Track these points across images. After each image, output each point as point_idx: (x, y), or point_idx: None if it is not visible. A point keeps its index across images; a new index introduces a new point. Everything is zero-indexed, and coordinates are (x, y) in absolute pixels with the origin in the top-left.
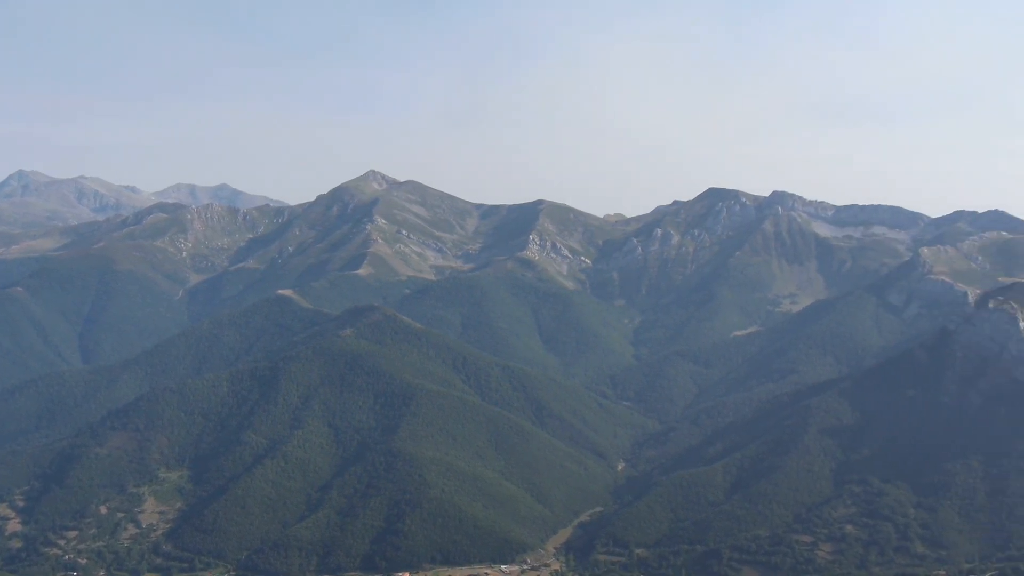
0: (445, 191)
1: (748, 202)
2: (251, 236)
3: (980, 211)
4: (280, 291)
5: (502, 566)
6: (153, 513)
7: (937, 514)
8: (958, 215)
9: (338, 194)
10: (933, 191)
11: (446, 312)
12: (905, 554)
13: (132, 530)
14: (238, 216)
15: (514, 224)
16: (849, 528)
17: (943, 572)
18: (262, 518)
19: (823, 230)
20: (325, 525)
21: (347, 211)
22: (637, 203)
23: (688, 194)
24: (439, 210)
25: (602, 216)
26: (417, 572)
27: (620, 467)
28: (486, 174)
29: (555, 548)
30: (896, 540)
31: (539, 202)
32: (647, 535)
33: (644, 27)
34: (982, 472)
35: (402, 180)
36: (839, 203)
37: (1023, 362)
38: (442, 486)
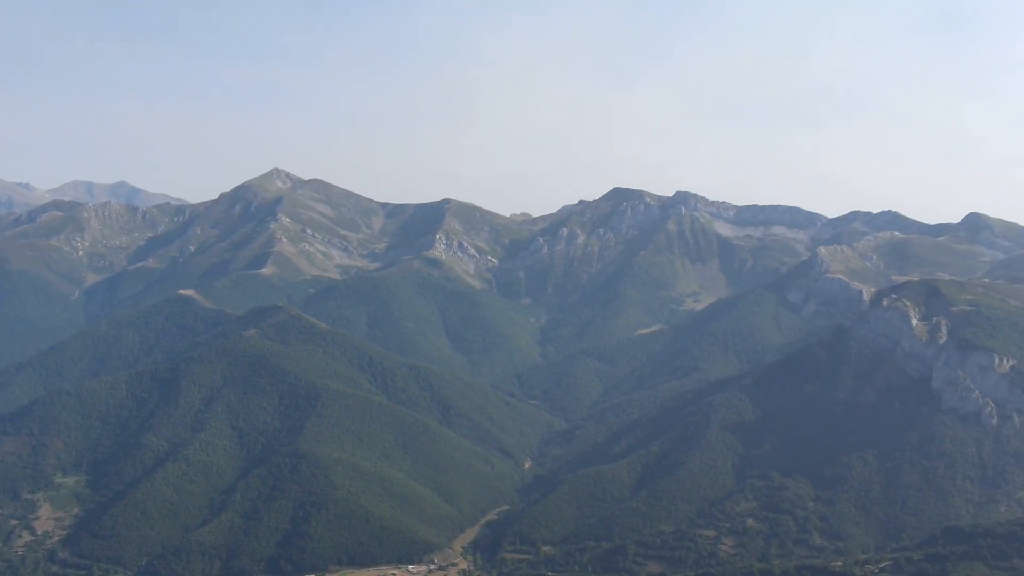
0: (351, 190)
1: (652, 202)
2: (151, 235)
3: (875, 212)
4: (181, 291)
5: (409, 566)
6: (48, 520)
7: (835, 507)
8: (854, 216)
9: (241, 192)
10: (830, 191)
11: (352, 312)
12: (804, 546)
13: (27, 537)
14: (137, 214)
15: (420, 223)
16: (751, 522)
17: (840, 563)
18: (163, 523)
19: (725, 230)
20: (228, 529)
21: (250, 210)
22: (543, 202)
23: (593, 194)
24: (344, 209)
25: (508, 215)
26: (323, 574)
27: (527, 465)
28: (392, 173)
29: (462, 547)
30: (796, 533)
31: (445, 201)
32: (554, 532)
33: (547, 25)
34: (877, 465)
35: (307, 179)
36: (740, 203)
37: (915, 358)
38: (348, 487)
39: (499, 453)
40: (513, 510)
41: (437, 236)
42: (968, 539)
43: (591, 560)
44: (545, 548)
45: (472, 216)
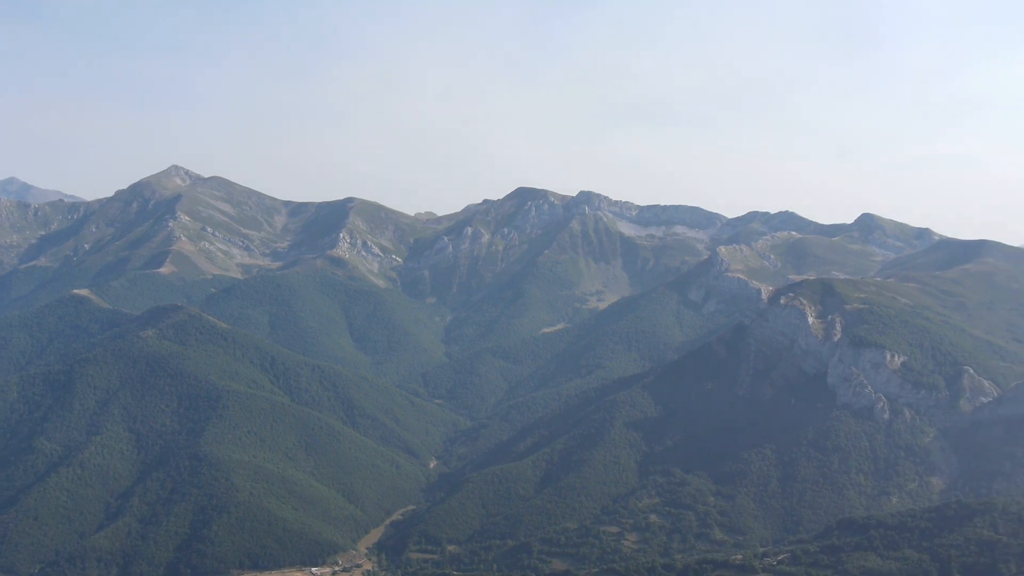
0: (253, 188)
1: (556, 201)
2: (43, 233)
3: (772, 212)
4: (76, 290)
5: (313, 568)
6: None
7: (734, 501)
8: (752, 216)
9: (138, 189)
10: (730, 192)
11: (254, 311)
12: (705, 540)
13: None
14: (28, 211)
15: (324, 222)
16: (653, 518)
17: (740, 556)
18: (57, 529)
19: (628, 229)
20: (126, 534)
21: (148, 207)
22: (448, 202)
23: (498, 193)
24: (246, 207)
25: (413, 214)
26: None
27: (432, 465)
28: (295, 171)
29: (367, 548)
30: (697, 527)
31: (349, 200)
32: (459, 531)
33: (451, 25)
34: (775, 460)
35: (207, 176)
36: (642, 203)
37: (811, 355)
38: (250, 489)
39: (404, 453)
40: (418, 510)
41: (341, 235)
42: (861, 530)
43: (496, 558)
44: (450, 547)
45: (377, 215)
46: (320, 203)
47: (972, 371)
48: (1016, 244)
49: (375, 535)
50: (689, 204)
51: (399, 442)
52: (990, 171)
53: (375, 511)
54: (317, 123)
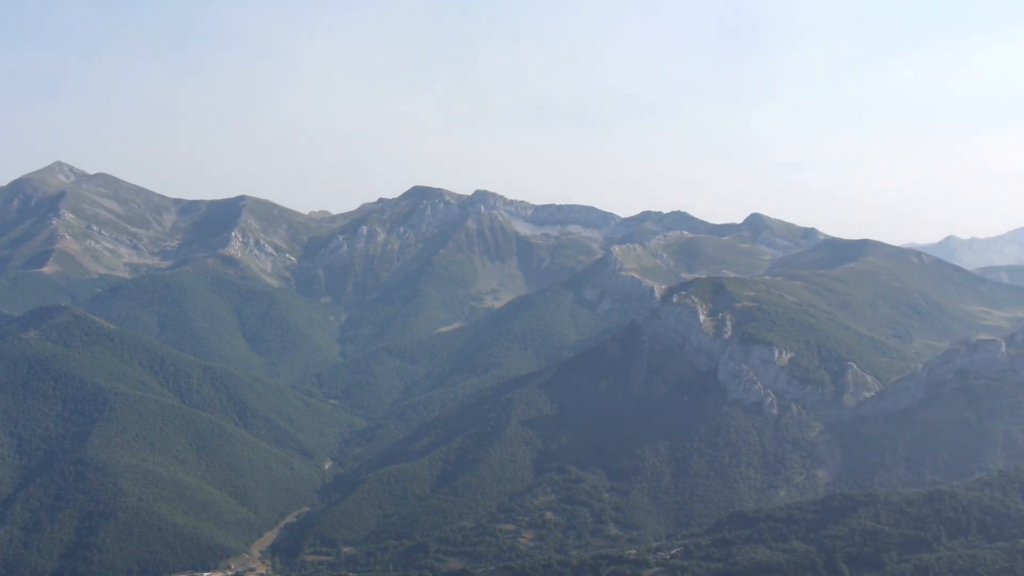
0: (141, 185)
1: (452, 200)
2: None
3: (665, 212)
4: None
5: (204, 573)
6: None
7: (629, 497)
8: (645, 215)
9: (19, 186)
10: (623, 192)
11: (142, 312)
12: (600, 536)
13: None
14: None
15: (215, 220)
16: (549, 515)
17: (634, 551)
18: None
19: (523, 228)
20: (7, 543)
21: (29, 205)
22: (343, 200)
23: (394, 192)
24: (134, 205)
25: (307, 213)
26: None
27: (327, 466)
28: (185, 168)
29: (261, 551)
30: (592, 524)
31: (241, 198)
32: (355, 532)
33: (345, 21)
34: (668, 455)
35: (92, 173)
36: (538, 203)
37: (702, 352)
38: (139, 494)
39: (298, 454)
40: (313, 511)
41: (233, 234)
42: (751, 523)
43: (392, 559)
44: (346, 548)
45: (270, 213)
46: (211, 201)
47: (856, 367)
48: (897, 244)
49: (269, 538)
50: (584, 204)
51: (293, 443)
52: (875, 171)
53: (269, 514)
54: (207, 120)
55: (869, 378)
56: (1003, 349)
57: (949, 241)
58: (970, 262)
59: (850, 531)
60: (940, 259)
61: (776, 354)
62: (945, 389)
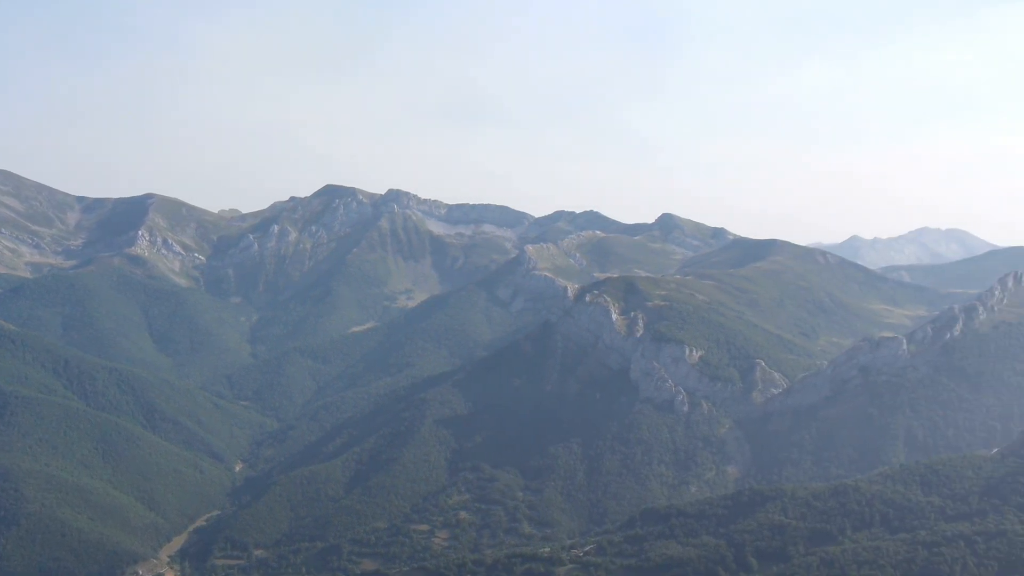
0: (43, 182)
1: (365, 199)
2: None
3: (578, 212)
4: None
5: None
6: None
7: (542, 495)
8: (558, 215)
9: None
10: (537, 191)
11: (45, 312)
12: (515, 535)
13: None
14: None
15: (121, 218)
16: (463, 514)
17: (548, 549)
18: None
19: (437, 228)
20: None
21: None
22: (253, 199)
23: (305, 191)
24: (35, 202)
25: (217, 211)
26: None
27: (238, 468)
28: (89, 166)
29: (169, 556)
30: (506, 522)
31: (148, 196)
32: (266, 535)
33: (256, 19)
34: (581, 453)
35: None
36: (451, 202)
37: (615, 350)
38: (42, 500)
39: (208, 457)
40: (223, 515)
41: (140, 232)
42: (663, 519)
43: (305, 561)
44: (258, 551)
45: (178, 211)
46: (117, 199)
47: (764, 364)
48: (803, 243)
49: (178, 542)
50: (497, 203)
51: (203, 446)
52: (784, 172)
53: (178, 518)
54: (111, 116)
55: (777, 375)
56: (904, 346)
57: (853, 241)
58: (873, 261)
59: (758, 525)
60: (844, 259)
61: (687, 352)
62: (849, 385)
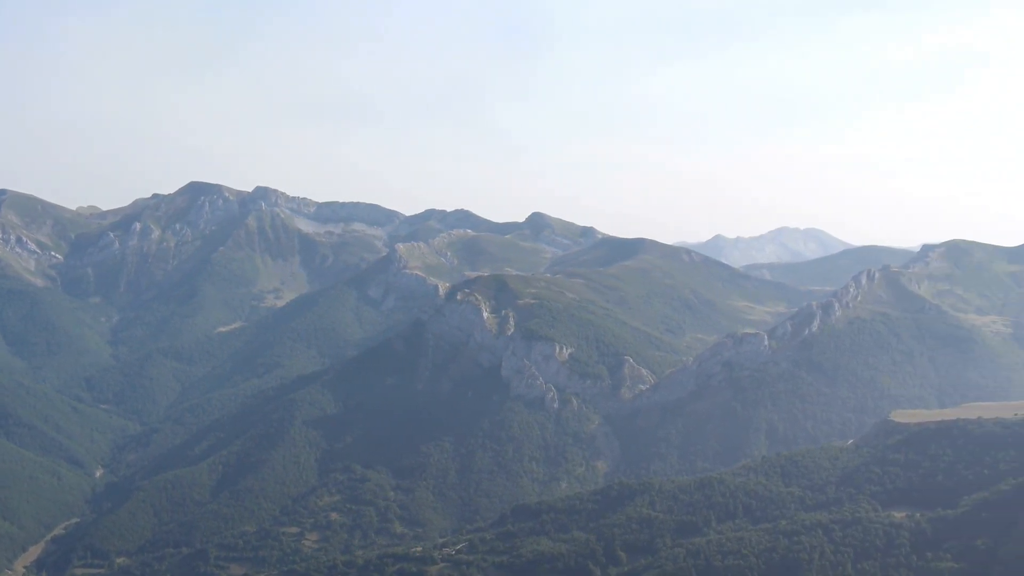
0: None
1: (231, 197)
2: None
3: (449, 210)
4: None
5: None
6: None
7: (414, 494)
8: (429, 213)
9: None
10: (408, 190)
11: None
12: (386, 535)
13: None
14: None
15: None
16: (334, 515)
17: (420, 548)
18: None
19: (305, 226)
20: None
21: None
22: (113, 195)
23: (169, 187)
24: None
25: (75, 208)
26: None
27: (99, 474)
28: None
29: (25, 567)
30: (378, 523)
31: (1, 192)
32: (129, 542)
33: (112, 8)
34: (453, 452)
35: None
36: (320, 200)
37: (486, 349)
38: None
39: (67, 463)
40: (83, 522)
41: None
42: (534, 515)
43: (170, 568)
44: (120, 559)
45: (33, 208)
46: None
47: (632, 361)
48: (669, 242)
49: (34, 552)
50: (367, 201)
51: (61, 451)
52: (649, 172)
53: (34, 527)
54: None
55: (644, 371)
56: (765, 342)
57: (716, 240)
58: (736, 260)
59: (627, 519)
60: (709, 257)
61: (557, 350)
62: (714, 381)
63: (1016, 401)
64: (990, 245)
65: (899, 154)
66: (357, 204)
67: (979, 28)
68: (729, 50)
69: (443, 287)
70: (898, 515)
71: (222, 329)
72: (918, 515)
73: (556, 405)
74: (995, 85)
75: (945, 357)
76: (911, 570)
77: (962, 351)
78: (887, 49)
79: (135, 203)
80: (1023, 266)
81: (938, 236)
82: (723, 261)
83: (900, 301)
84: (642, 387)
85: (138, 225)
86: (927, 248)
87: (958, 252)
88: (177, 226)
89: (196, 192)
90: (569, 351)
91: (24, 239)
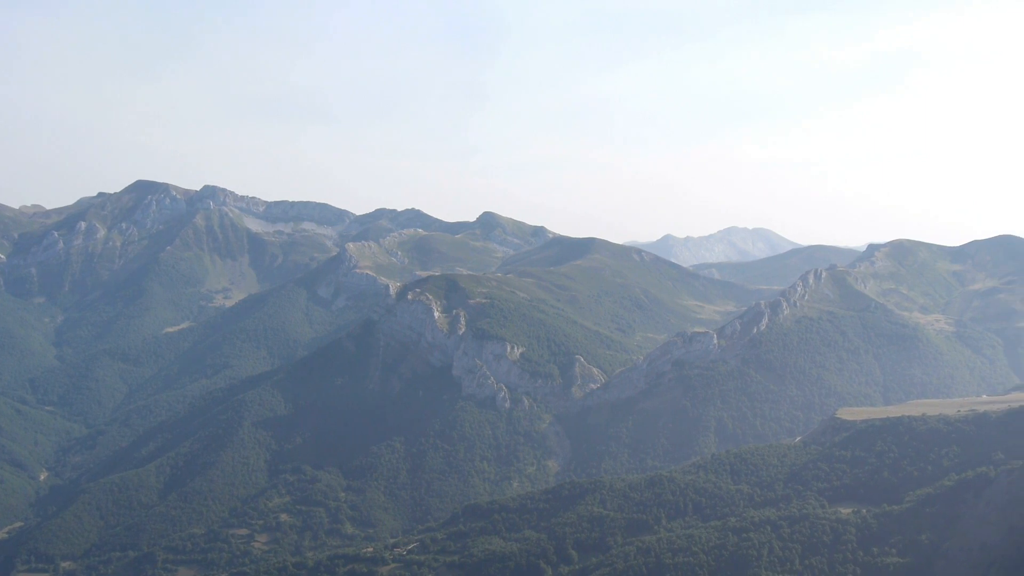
0: None
1: (179, 195)
2: None
3: (400, 210)
4: None
5: None
6: None
7: (365, 495)
8: (380, 213)
9: None
10: (358, 189)
11: None
12: (337, 536)
13: None
14: None
15: None
16: (284, 517)
17: (371, 548)
18: None
19: (255, 225)
20: None
21: None
22: (57, 194)
23: (115, 186)
24: None
25: (18, 207)
26: None
27: (43, 477)
28: None
29: None
30: (328, 523)
31: None
32: (74, 546)
33: (64, 13)
34: (404, 452)
35: None
36: (270, 199)
37: (437, 348)
38: None
39: (10, 466)
40: (27, 526)
41: None
42: (486, 515)
43: (116, 571)
44: (65, 563)
45: None
46: None
47: (583, 360)
48: (620, 242)
49: None
50: (318, 201)
51: (4, 454)
52: (599, 173)
53: None
54: None
55: (595, 370)
56: (715, 341)
57: (666, 239)
58: (685, 259)
59: (578, 518)
60: (659, 256)
61: (508, 349)
62: (664, 379)
63: (958, 398)
64: (934, 245)
65: (845, 154)
66: (307, 203)
67: (920, 30)
68: (680, 51)
69: (394, 286)
70: (845, 511)
71: (170, 329)
72: (864, 511)
73: (507, 404)
74: (935, 85)
75: (890, 355)
76: (857, 565)
77: (907, 349)
78: (832, 50)
79: (80, 202)
80: (966, 266)
81: (884, 236)
82: (673, 261)
83: (846, 300)
84: (593, 386)
85: (83, 224)
86: (873, 248)
87: (903, 252)
88: (123, 225)
89: (143, 191)
90: (520, 350)
91: None
